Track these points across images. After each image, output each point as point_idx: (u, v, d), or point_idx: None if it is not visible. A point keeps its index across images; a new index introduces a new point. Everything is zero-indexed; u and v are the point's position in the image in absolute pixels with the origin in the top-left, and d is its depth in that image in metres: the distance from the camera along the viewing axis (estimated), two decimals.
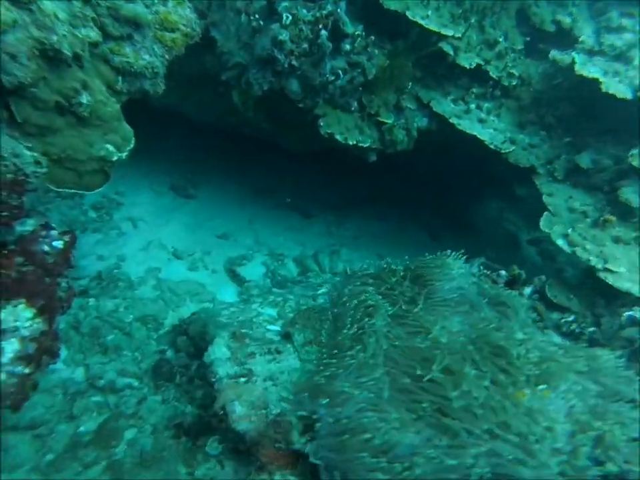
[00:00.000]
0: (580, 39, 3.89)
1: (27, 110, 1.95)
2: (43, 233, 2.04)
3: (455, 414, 1.98)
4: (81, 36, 2.10)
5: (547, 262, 6.93)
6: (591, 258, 3.15)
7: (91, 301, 4.16)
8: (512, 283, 3.53)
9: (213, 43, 4.27)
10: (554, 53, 3.90)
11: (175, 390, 3.41)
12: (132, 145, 2.48)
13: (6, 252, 1.89)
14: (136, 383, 3.44)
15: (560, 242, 3.36)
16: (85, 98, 2.13)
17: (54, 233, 2.10)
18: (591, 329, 2.98)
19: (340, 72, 3.40)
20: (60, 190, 2.19)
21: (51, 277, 1.96)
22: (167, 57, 2.68)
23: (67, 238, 2.14)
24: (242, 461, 2.12)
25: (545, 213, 3.64)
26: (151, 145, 6.87)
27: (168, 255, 5.31)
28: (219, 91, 5.08)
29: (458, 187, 7.25)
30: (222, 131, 6.49)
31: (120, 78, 2.39)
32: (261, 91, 3.68)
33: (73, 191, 2.25)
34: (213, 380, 2.43)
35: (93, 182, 2.32)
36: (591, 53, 3.78)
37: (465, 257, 3.28)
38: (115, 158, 2.37)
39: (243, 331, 2.93)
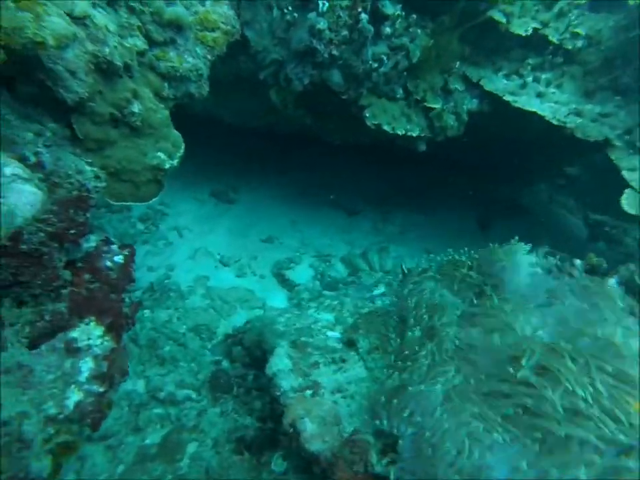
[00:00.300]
0: None
1: (87, 125, 1.92)
2: (105, 248, 1.99)
3: (556, 419, 1.72)
4: (129, 45, 2.04)
5: (613, 247, 6.37)
6: None
7: (146, 312, 4.19)
8: (590, 273, 3.16)
9: (246, 42, 4.17)
10: None
11: (233, 401, 3.33)
12: (182, 152, 2.41)
13: (75, 269, 1.86)
14: (194, 395, 3.40)
15: None
16: (136, 107, 2.07)
17: (114, 247, 2.05)
18: None
19: (384, 57, 3.17)
20: (119, 203, 2.14)
21: (116, 292, 1.91)
22: (209, 57, 2.58)
23: (126, 252, 2.09)
24: None
25: (627, 190, 3.23)
26: (188, 152, 7.00)
27: (215, 263, 5.30)
28: (255, 91, 5.01)
29: (505, 173, 6.82)
30: (259, 133, 6.44)
31: (166, 84, 2.31)
32: (301, 85, 3.52)
33: (129, 203, 2.20)
34: (278, 394, 2.29)
35: (148, 192, 2.26)
36: None
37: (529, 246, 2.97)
38: (168, 166, 2.31)
39: (303, 339, 2.78)
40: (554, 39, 3.51)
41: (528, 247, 2.92)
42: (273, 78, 4.02)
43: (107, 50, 1.93)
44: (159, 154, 2.26)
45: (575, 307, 2.38)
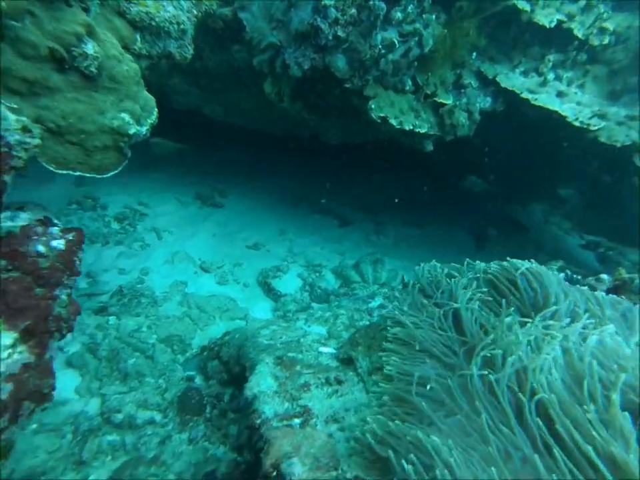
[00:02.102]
0: None
1: (8, 55, 1.44)
2: (39, 229, 1.52)
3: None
4: None
5: (608, 268, 6.16)
6: None
7: (111, 319, 3.69)
8: (618, 290, 2.82)
9: (241, 28, 3.83)
10: None
11: (204, 425, 2.83)
12: (154, 119, 1.96)
13: None
14: (159, 417, 2.87)
15: None
16: (91, 48, 1.62)
17: (55, 230, 1.57)
18: None
19: (395, 41, 2.84)
20: (61, 171, 1.67)
21: (45, 287, 1.43)
22: (195, 12, 2.19)
23: (70, 236, 1.61)
24: None
25: None
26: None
27: (195, 268, 4.84)
28: (248, 84, 4.66)
29: (501, 190, 6.60)
30: (251, 132, 6.08)
31: (138, 36, 1.89)
32: (301, 71, 3.16)
33: (78, 173, 1.73)
34: (258, 422, 1.83)
35: (105, 162, 1.79)
36: None
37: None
38: (133, 131, 1.84)
39: (291, 354, 2.33)
40: (579, 33, 3.23)
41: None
42: (268, 65, 3.66)
43: None
44: (123, 115, 1.80)
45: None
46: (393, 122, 3.02)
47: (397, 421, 1.54)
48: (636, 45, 3.31)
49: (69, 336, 3.35)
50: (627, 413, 1.30)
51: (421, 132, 3.12)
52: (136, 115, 1.84)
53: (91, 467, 2.51)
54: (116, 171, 1.92)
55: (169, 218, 5.64)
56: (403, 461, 1.35)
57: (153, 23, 1.93)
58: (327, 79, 3.18)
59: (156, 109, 2.00)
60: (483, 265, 2.15)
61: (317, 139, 5.06)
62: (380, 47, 2.92)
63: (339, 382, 2.06)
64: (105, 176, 1.86)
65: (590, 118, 3.16)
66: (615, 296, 2.18)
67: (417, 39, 2.95)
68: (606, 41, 3.30)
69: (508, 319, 1.71)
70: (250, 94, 4.84)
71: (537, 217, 7.77)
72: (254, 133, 6.15)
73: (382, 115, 3.03)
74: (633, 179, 3.72)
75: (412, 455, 1.35)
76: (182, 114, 5.81)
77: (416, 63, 3.13)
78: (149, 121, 1.92)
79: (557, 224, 7.72)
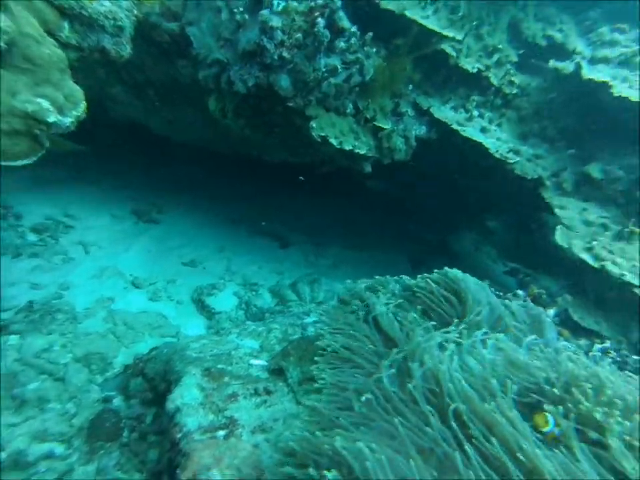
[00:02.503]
0: (576, 50, 3.77)
1: None
2: None
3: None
4: None
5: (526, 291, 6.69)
6: (624, 273, 2.76)
7: (12, 339, 3.24)
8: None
9: (189, 44, 3.84)
10: (554, 62, 3.74)
11: (118, 452, 2.55)
12: (81, 111, 1.84)
13: None
14: (60, 449, 2.49)
15: (584, 256, 2.96)
16: (1, 21, 1.49)
17: None
18: (635, 357, 2.51)
19: (338, 66, 2.99)
20: None
21: None
22: (135, 12, 2.15)
23: None
24: None
25: (559, 226, 3.28)
26: (111, 164, 6.29)
27: (125, 284, 4.54)
28: (192, 100, 4.62)
29: (436, 216, 7.05)
30: (193, 149, 5.98)
31: (66, 24, 1.80)
32: (245, 88, 3.21)
33: None
34: (179, 436, 1.71)
35: (14, 148, 1.62)
36: (592, 61, 3.64)
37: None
38: (53, 120, 1.70)
39: (220, 366, 2.24)
40: (495, 81, 3.68)
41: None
42: (213, 81, 3.68)
43: None
44: (40, 100, 1.66)
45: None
46: (333, 141, 3.13)
47: (317, 432, 1.50)
48: (535, 99, 3.86)
49: None
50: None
51: (360, 153, 3.26)
52: (57, 104, 1.71)
53: None
54: (28, 161, 1.75)
55: (99, 232, 5.29)
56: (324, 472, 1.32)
57: (85, 13, 1.85)
58: (271, 97, 3.26)
59: (84, 102, 1.88)
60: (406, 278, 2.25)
61: (261, 159, 5.09)
62: (323, 70, 3.06)
63: (268, 392, 2.00)
64: (12, 164, 1.68)
65: (507, 152, 3.53)
66: (527, 303, 2.38)
67: (358, 67, 3.14)
68: (514, 91, 3.83)
69: (420, 326, 1.79)
70: (195, 109, 4.80)
71: (467, 245, 8.31)
72: (198, 150, 6.07)
73: (323, 134, 3.14)
74: (541, 214, 4.14)
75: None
76: (124, 126, 5.61)
77: (357, 89, 3.31)
78: (75, 113, 1.79)
79: (486, 253, 8.29)
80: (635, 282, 2.70)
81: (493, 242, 8.09)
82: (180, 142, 5.77)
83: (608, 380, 1.54)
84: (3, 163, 1.62)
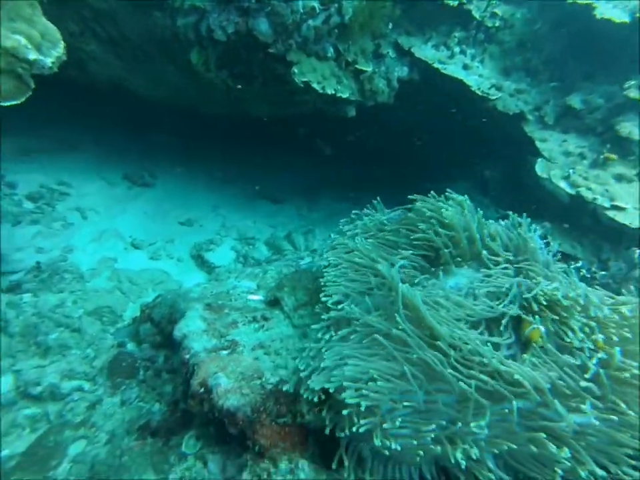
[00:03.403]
0: None
1: None
2: None
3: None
4: None
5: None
6: (597, 197, 2.89)
7: (26, 297, 3.45)
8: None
9: None
10: None
11: (138, 388, 2.81)
12: (61, 52, 1.84)
13: None
14: (87, 385, 2.79)
15: (562, 184, 3.09)
16: None
17: None
18: (602, 273, 2.71)
19: (316, 7, 2.97)
20: None
21: None
22: None
23: None
24: (232, 451, 1.61)
25: (539, 159, 3.39)
26: (96, 132, 6.25)
27: (125, 245, 4.69)
28: (173, 55, 4.55)
29: (429, 167, 7.07)
30: (181, 111, 5.93)
31: None
32: (225, 35, 3.19)
33: None
34: (187, 357, 1.90)
35: (3, 86, 1.66)
36: None
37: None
38: (33, 57, 1.71)
39: (220, 302, 2.41)
40: (477, 14, 3.64)
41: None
42: (193, 31, 3.64)
43: None
44: (17, 37, 1.68)
45: None
46: (316, 86, 3.17)
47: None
48: (519, 30, 3.81)
49: None
50: None
51: (343, 97, 3.30)
52: (35, 41, 1.71)
53: (5, 442, 2.37)
54: (17, 101, 1.79)
55: (94, 198, 5.36)
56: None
57: None
58: (251, 44, 3.25)
59: (62, 42, 1.88)
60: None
61: (246, 116, 5.07)
62: (302, 11, 3.04)
63: (266, 319, 2.18)
64: (3, 104, 1.72)
65: (489, 88, 3.56)
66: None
67: (337, 6, 3.11)
68: (497, 24, 3.78)
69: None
70: (176, 67, 4.73)
71: (460, 193, 8.39)
72: (184, 110, 6.01)
73: (305, 79, 3.16)
74: (527, 156, 4.20)
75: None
76: (104, 87, 5.53)
77: (337, 31, 3.29)
78: (54, 53, 1.80)
79: (478, 200, 8.41)
80: (606, 204, 2.84)
81: (486, 190, 8.19)
82: (164, 103, 5.71)
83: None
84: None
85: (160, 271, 4.27)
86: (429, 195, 2.54)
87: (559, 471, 1.28)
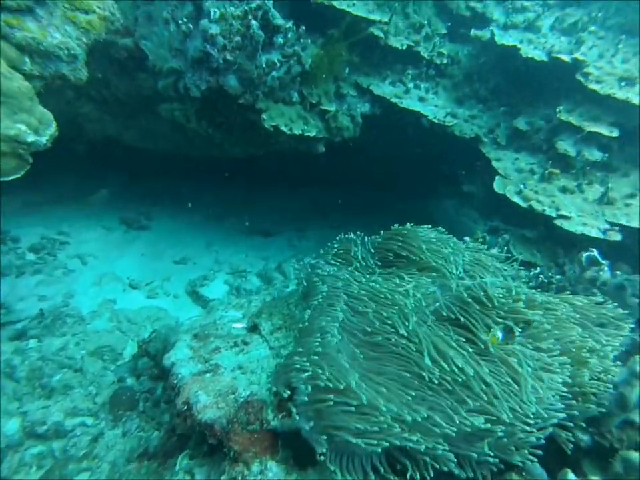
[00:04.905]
0: (493, 18, 4.14)
1: None
2: None
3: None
4: None
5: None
6: (545, 208, 3.18)
7: (32, 342, 3.69)
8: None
9: (144, 57, 4.18)
10: (474, 31, 4.11)
11: (138, 418, 3.02)
12: (53, 129, 2.23)
13: None
14: (90, 421, 3.00)
15: (516, 199, 3.38)
16: None
17: None
18: (558, 277, 2.95)
19: (276, 61, 3.36)
20: None
21: None
22: (84, 39, 2.51)
23: None
24: (215, 461, 1.83)
25: (497, 177, 3.69)
26: (93, 180, 6.64)
27: (124, 286, 4.95)
28: (158, 109, 4.97)
29: (413, 187, 7.39)
30: (169, 157, 6.33)
31: (27, 59, 2.17)
32: (199, 92, 3.58)
33: None
34: (175, 382, 2.14)
35: (5, 167, 2.02)
36: (505, 27, 4.01)
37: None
38: (32, 139, 2.10)
39: (207, 331, 2.67)
40: (425, 54, 4.05)
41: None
42: (173, 89, 4.04)
43: None
44: (19, 125, 2.07)
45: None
46: (284, 129, 3.52)
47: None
48: (467, 65, 4.25)
49: None
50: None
51: (311, 135, 3.65)
52: (33, 126, 2.10)
53: None
54: (17, 175, 2.17)
55: (93, 244, 5.67)
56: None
57: (41, 48, 2.22)
58: (224, 97, 3.63)
59: (54, 122, 2.27)
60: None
61: (229, 156, 5.44)
62: (264, 66, 3.42)
63: (245, 343, 2.43)
64: (5, 179, 2.09)
65: (445, 116, 3.91)
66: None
67: (296, 58, 3.50)
68: (445, 61, 4.24)
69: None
70: (162, 119, 5.15)
71: (449, 210, 8.69)
72: (173, 156, 6.41)
73: (273, 124, 3.52)
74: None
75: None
76: (99, 142, 5.95)
77: (299, 79, 3.68)
78: (48, 132, 2.19)
79: (466, 215, 8.69)
80: (553, 214, 3.12)
81: (472, 204, 8.48)
82: (154, 150, 6.11)
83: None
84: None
85: (157, 308, 4.52)
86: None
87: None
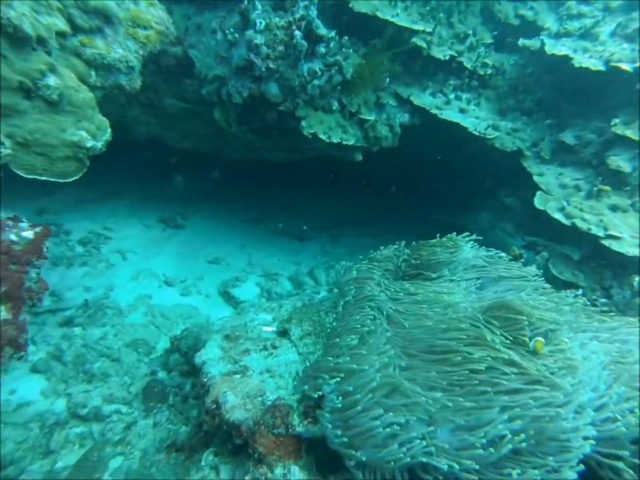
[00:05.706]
0: (545, 26, 4.02)
1: None
2: (10, 223, 1.91)
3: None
4: (45, 22, 2.08)
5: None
6: (591, 227, 3.03)
7: (77, 330, 3.94)
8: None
9: (192, 64, 4.36)
10: (522, 40, 4.01)
11: (167, 411, 3.14)
12: (108, 135, 2.40)
13: None
14: (124, 409, 3.17)
15: (557, 215, 3.25)
16: (52, 80, 2.07)
17: (23, 225, 1.97)
18: (603, 301, 2.81)
19: (317, 70, 3.42)
20: (30, 176, 2.07)
21: (17, 264, 1.81)
22: (141, 52, 2.67)
23: (38, 230, 2.02)
24: (240, 460, 1.87)
25: (538, 192, 3.57)
26: (135, 178, 6.95)
27: (159, 283, 5.15)
28: (200, 114, 5.16)
29: (450, 199, 7.25)
30: (208, 158, 6.53)
31: (93, 72, 2.34)
32: (241, 98, 3.69)
33: (44, 178, 2.13)
34: (205, 380, 2.21)
35: (66, 169, 2.20)
36: (557, 36, 3.88)
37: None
38: (90, 144, 2.27)
39: (237, 333, 2.73)
40: (468, 65, 3.99)
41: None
42: (216, 94, 4.19)
43: (13, 13, 1.95)
44: (81, 132, 2.24)
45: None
46: (323, 137, 3.56)
47: None
48: (513, 75, 4.13)
49: (32, 347, 3.63)
50: None
51: (349, 144, 3.67)
52: (92, 132, 2.27)
53: (59, 455, 2.76)
54: (76, 177, 2.34)
55: (133, 240, 5.93)
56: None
57: (105, 62, 2.40)
58: (265, 104, 3.72)
59: (109, 129, 2.45)
60: None
61: (268, 161, 5.56)
62: (306, 75, 3.49)
63: (275, 347, 2.47)
64: (66, 180, 2.26)
65: (486, 128, 3.83)
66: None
67: (337, 67, 3.55)
68: (489, 72, 4.13)
69: None
70: (203, 122, 5.33)
71: (483, 223, 8.47)
72: (212, 158, 6.61)
73: (312, 131, 3.57)
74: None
75: None
76: (145, 143, 6.23)
77: (339, 88, 3.71)
78: (104, 138, 2.36)
79: (502, 229, 8.43)
80: (601, 234, 2.97)
81: (508, 218, 8.22)
82: (195, 152, 6.33)
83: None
84: (60, 180, 2.20)
85: (190, 307, 4.67)
86: None
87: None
